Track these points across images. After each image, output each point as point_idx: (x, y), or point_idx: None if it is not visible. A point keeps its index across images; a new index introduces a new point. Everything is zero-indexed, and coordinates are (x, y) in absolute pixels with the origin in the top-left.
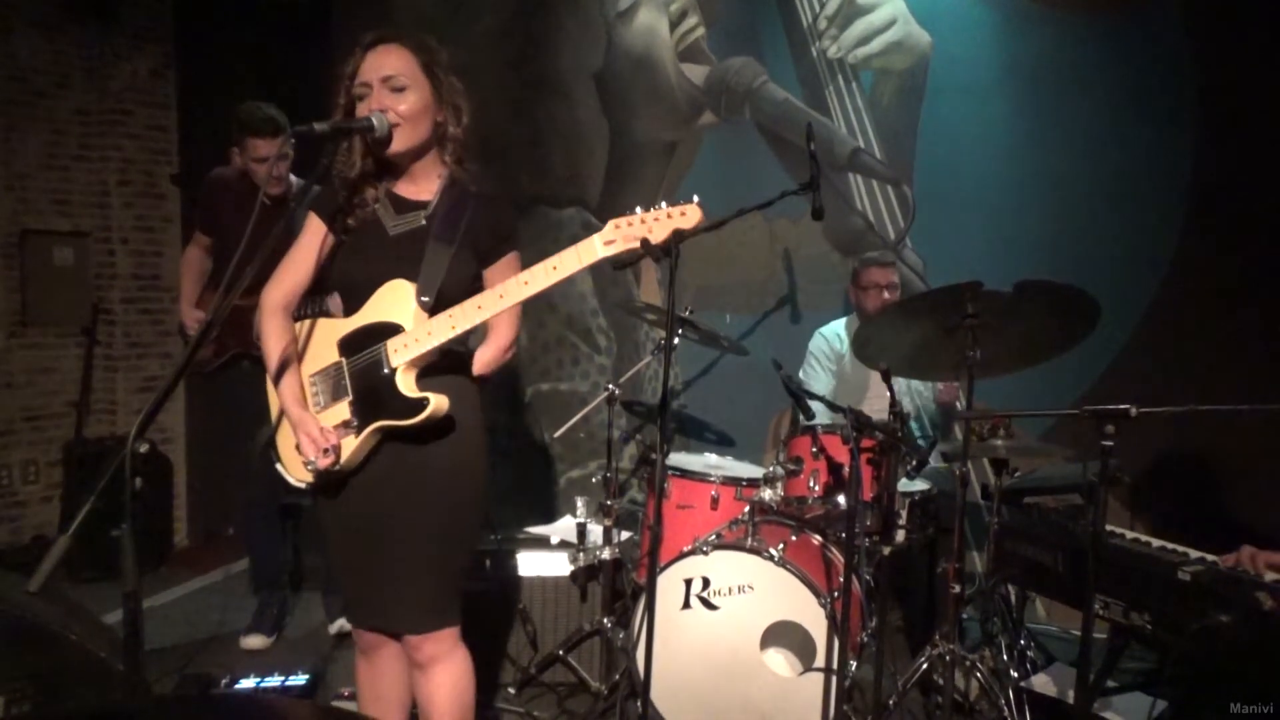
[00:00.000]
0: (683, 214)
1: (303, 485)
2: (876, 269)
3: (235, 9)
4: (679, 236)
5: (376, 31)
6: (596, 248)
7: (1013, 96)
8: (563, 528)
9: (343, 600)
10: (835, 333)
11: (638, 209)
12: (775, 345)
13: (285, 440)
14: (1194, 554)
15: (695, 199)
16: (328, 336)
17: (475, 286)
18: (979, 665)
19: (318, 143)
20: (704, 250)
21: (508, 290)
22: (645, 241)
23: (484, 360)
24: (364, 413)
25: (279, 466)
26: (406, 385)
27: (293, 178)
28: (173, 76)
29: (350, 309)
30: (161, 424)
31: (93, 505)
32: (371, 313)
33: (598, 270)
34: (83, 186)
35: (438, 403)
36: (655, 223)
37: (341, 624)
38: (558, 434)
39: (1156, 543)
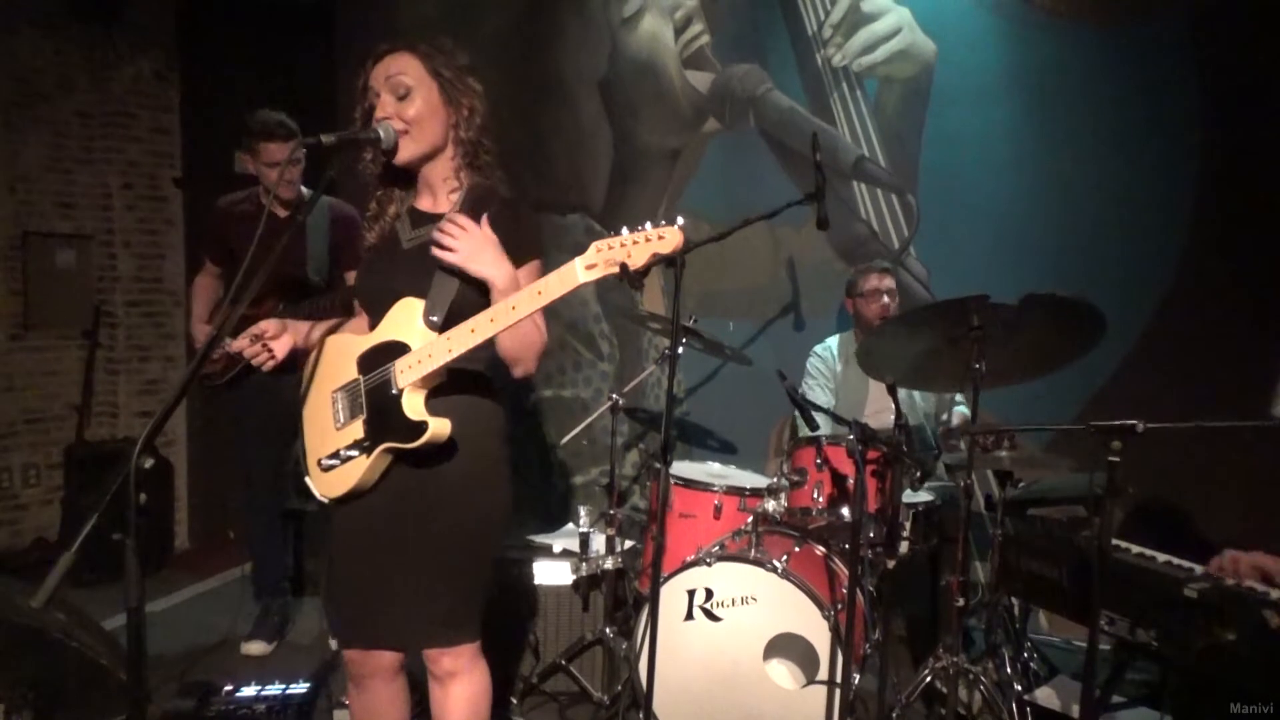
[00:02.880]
0: (661, 238)
1: (325, 500)
2: (875, 275)
3: (238, 11)
4: (661, 261)
5: (387, 42)
6: (578, 273)
7: (1018, 105)
8: (565, 536)
9: (341, 623)
10: (829, 350)
11: (624, 230)
12: (778, 352)
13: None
14: (1199, 569)
15: (679, 221)
16: (350, 353)
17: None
18: (982, 677)
19: (326, 155)
20: (707, 257)
21: (497, 315)
22: (624, 267)
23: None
24: (375, 432)
25: (308, 480)
26: (411, 407)
27: (304, 189)
28: (175, 79)
29: (372, 326)
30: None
31: (96, 520)
32: (384, 331)
33: None
34: (85, 189)
35: (436, 428)
36: (635, 246)
37: None
38: (562, 442)
39: (1162, 557)
